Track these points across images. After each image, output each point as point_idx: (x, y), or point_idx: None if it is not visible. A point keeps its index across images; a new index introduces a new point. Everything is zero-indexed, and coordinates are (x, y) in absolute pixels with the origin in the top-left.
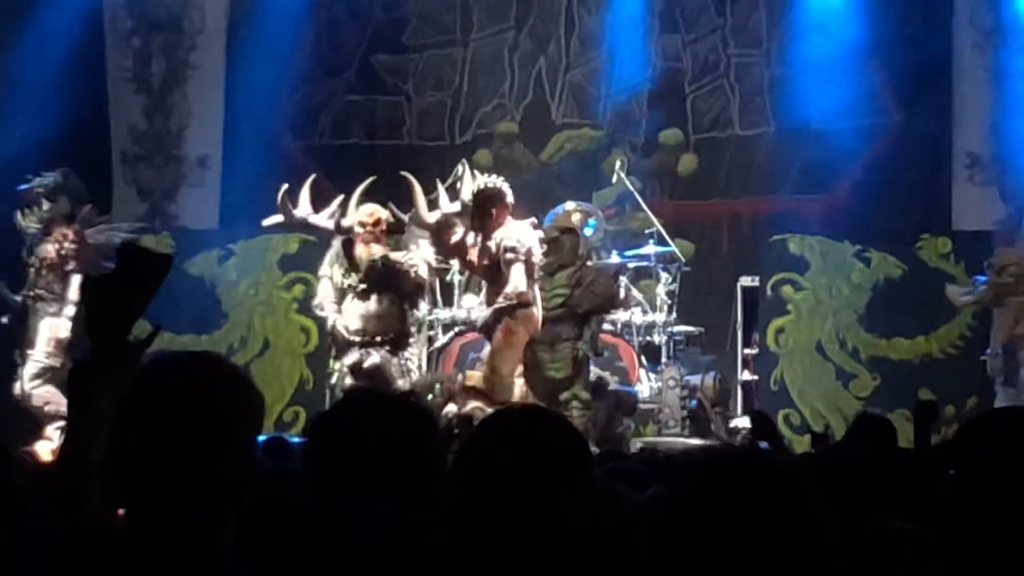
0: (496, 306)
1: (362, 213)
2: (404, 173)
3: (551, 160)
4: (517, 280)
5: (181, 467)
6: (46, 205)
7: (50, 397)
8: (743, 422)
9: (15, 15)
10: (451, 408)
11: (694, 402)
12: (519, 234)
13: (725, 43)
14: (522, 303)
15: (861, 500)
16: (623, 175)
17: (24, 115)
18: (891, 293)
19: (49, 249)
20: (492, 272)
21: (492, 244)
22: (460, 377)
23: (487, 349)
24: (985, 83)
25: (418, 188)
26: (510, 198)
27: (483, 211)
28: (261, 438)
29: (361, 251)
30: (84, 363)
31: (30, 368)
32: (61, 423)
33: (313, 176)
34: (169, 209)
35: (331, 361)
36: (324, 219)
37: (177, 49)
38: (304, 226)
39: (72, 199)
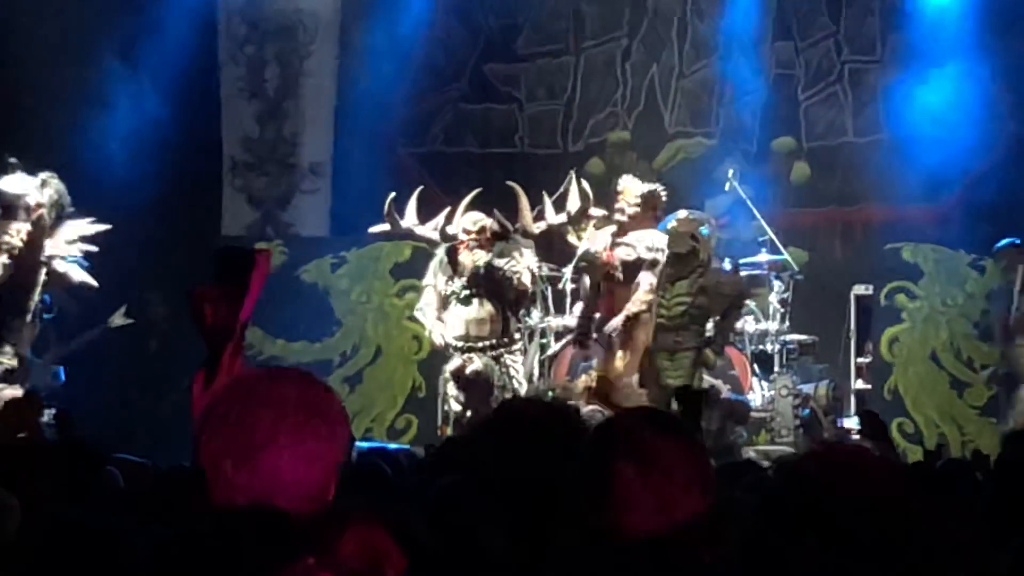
0: (626, 312)
1: (467, 220)
2: (510, 183)
3: (663, 168)
4: (646, 286)
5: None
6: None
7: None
8: (853, 422)
9: (129, 27)
10: None
11: (807, 411)
12: (655, 240)
13: (839, 49)
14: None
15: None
16: (736, 183)
17: (136, 125)
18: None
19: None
20: (626, 272)
21: (630, 245)
22: (572, 384)
23: (597, 358)
24: None
25: (524, 198)
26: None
27: (648, 213)
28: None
29: (465, 257)
30: (204, 370)
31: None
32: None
33: (420, 187)
34: (282, 217)
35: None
36: (429, 230)
37: (291, 56)
38: (409, 236)
39: (55, 201)
